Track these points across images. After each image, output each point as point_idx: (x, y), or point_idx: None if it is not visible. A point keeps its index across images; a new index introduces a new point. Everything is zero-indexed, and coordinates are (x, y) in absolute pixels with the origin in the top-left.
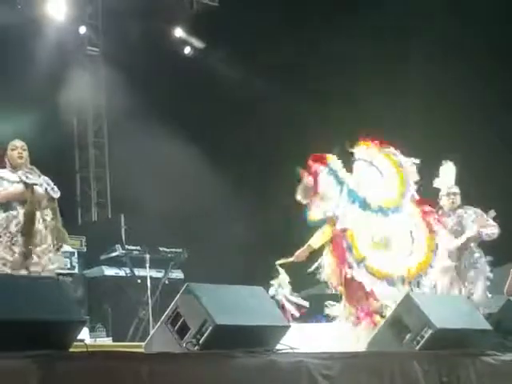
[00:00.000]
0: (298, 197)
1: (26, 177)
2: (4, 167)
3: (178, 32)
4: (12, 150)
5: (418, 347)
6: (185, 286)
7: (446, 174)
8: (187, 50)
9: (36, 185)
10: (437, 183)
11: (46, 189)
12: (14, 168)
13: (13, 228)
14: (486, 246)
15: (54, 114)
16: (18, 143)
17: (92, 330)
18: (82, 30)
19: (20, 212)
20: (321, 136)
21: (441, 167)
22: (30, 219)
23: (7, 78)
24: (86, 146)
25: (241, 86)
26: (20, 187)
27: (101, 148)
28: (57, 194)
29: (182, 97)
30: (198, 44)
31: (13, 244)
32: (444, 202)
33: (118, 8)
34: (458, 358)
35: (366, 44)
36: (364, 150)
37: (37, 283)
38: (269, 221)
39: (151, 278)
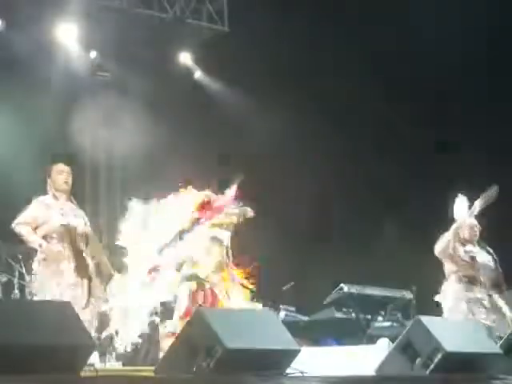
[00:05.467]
0: None
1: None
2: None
3: (188, 58)
4: (58, 173)
5: (427, 371)
6: (195, 311)
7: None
8: (197, 75)
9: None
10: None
11: (85, 223)
12: (57, 192)
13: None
14: None
15: (65, 137)
16: (65, 167)
17: (102, 353)
18: (93, 54)
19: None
20: None
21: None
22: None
23: (17, 104)
24: (97, 171)
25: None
26: (59, 225)
27: (112, 172)
28: (88, 229)
29: (192, 124)
30: (205, 71)
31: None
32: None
33: (128, 34)
34: (468, 382)
35: None
36: None
37: (47, 307)
38: None
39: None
